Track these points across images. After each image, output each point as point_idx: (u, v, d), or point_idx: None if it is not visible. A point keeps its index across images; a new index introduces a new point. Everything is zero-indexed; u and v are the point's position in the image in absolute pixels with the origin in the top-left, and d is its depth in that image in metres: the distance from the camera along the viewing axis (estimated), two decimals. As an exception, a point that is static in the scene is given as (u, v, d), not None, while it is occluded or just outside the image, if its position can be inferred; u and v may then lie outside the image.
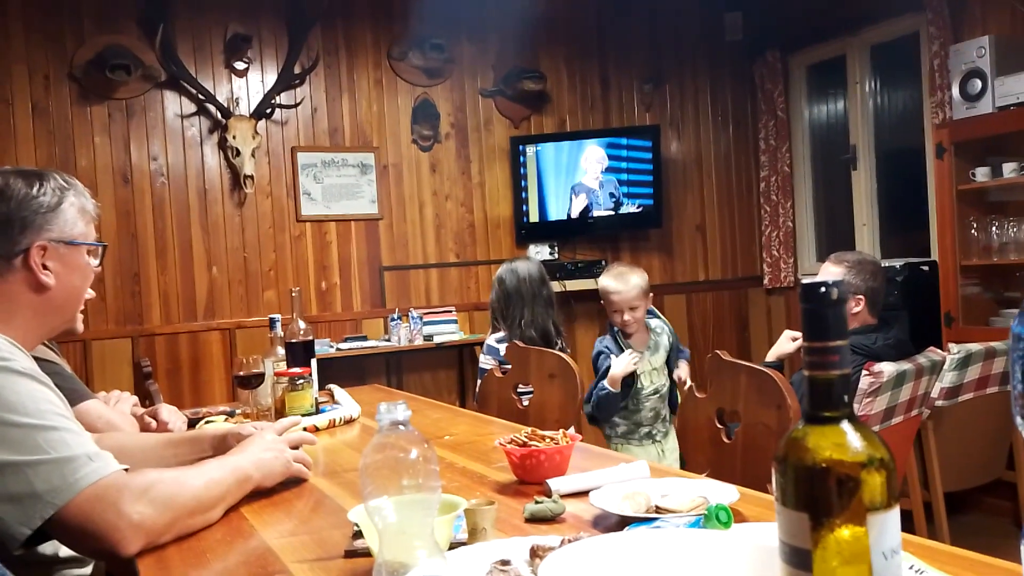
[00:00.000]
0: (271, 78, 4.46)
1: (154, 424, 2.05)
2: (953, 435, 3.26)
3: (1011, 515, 3.58)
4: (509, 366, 2.76)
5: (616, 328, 3.13)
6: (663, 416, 3.17)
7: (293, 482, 1.59)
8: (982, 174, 3.78)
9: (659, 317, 3.30)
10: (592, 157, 4.94)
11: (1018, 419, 0.54)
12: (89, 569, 1.50)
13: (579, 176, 4.94)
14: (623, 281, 3.08)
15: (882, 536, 0.59)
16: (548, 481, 1.39)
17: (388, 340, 4.54)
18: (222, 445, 1.58)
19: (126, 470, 1.24)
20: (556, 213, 4.94)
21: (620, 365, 2.96)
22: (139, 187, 4.26)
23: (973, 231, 3.86)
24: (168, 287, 4.30)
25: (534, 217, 4.93)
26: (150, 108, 4.28)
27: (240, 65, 4.41)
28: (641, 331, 3.16)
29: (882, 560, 0.59)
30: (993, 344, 3.24)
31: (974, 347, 3.18)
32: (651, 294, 3.18)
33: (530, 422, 2.29)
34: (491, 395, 2.82)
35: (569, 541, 1.00)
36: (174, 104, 4.32)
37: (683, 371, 3.20)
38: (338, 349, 4.38)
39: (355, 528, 1.18)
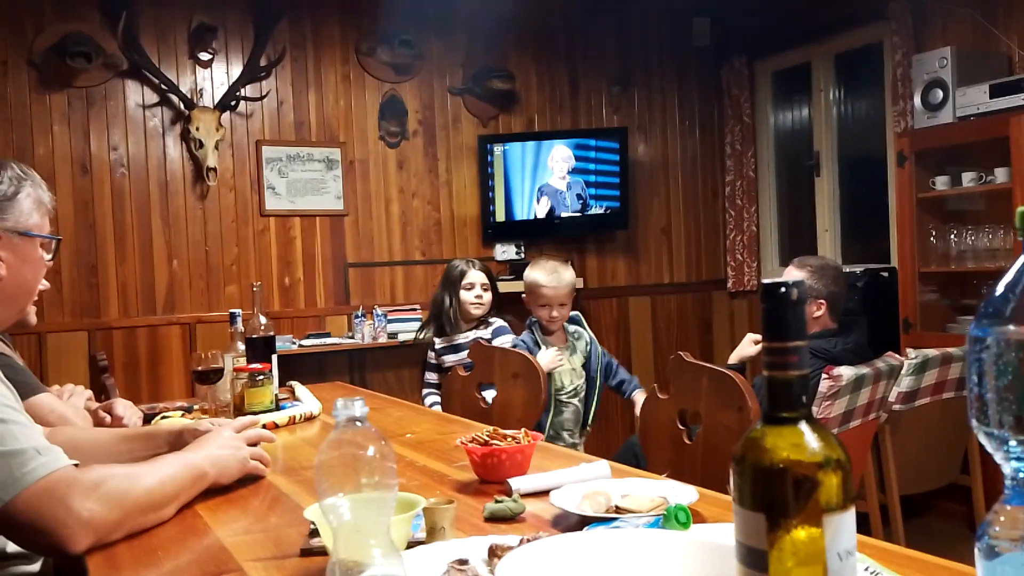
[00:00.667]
0: (236, 70, 4.41)
1: (108, 419, 2.01)
2: (909, 439, 3.31)
3: (965, 519, 3.65)
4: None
5: (537, 325, 3.13)
6: (580, 421, 3.18)
7: (250, 479, 1.56)
8: (942, 183, 3.85)
9: (580, 322, 3.28)
10: (558, 157, 4.94)
11: (974, 422, 0.54)
12: (38, 566, 1.47)
13: (546, 176, 4.94)
14: (557, 277, 3.09)
15: (837, 537, 0.59)
16: (509, 480, 1.38)
17: (352, 337, 4.51)
18: (178, 441, 1.55)
19: (76, 465, 1.21)
20: (523, 213, 4.94)
21: (546, 358, 2.95)
22: (98, 177, 4.18)
23: (932, 239, 3.93)
24: (127, 280, 4.22)
25: (501, 216, 4.93)
26: (111, 97, 4.20)
27: (205, 56, 4.35)
28: (560, 331, 3.17)
29: (837, 561, 0.59)
30: (950, 350, 3.30)
31: (931, 353, 3.23)
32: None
33: (493, 421, 2.28)
34: (454, 394, 2.81)
35: (528, 540, 0.99)
36: (136, 94, 4.25)
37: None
38: (300, 346, 4.34)
39: (311, 526, 1.16)
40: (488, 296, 3.33)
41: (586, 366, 3.16)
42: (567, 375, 3.12)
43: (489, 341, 3.16)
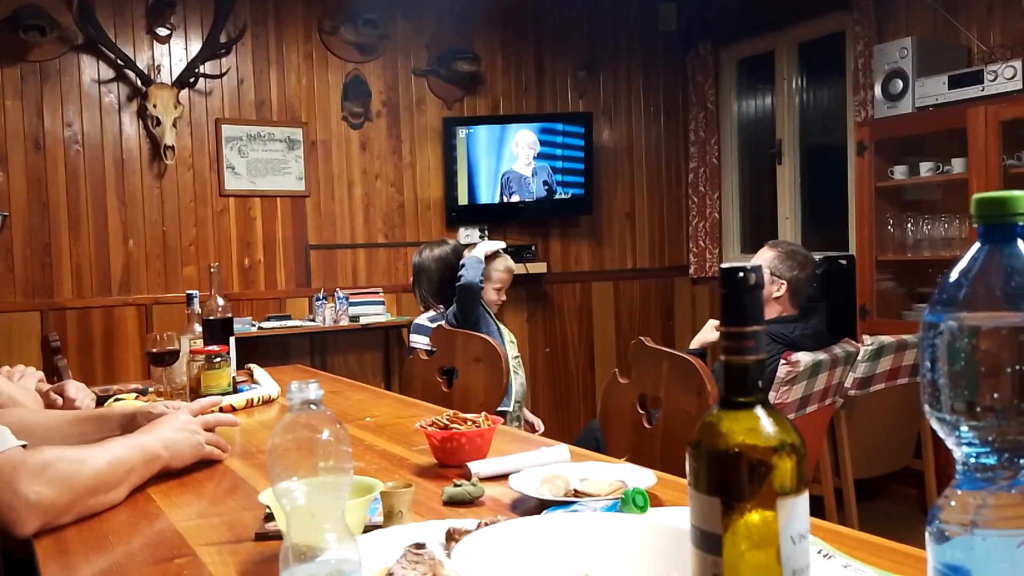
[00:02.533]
0: (195, 46, 4.32)
1: (60, 401, 1.96)
2: (864, 424, 3.37)
3: (917, 502, 3.73)
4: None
5: (485, 306, 3.26)
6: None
7: (205, 463, 1.54)
8: (900, 172, 3.91)
9: None
10: (523, 142, 4.93)
11: (927, 407, 0.55)
12: (-16, 551, 1.43)
13: (511, 162, 4.92)
14: (510, 265, 3.36)
15: (791, 521, 0.59)
16: (468, 464, 1.38)
17: (313, 320, 4.46)
18: (131, 424, 1.52)
19: (24, 447, 1.18)
20: (487, 197, 4.92)
21: (488, 244, 3.20)
22: (52, 154, 4.08)
23: (889, 227, 3.99)
24: (81, 260, 4.13)
25: (465, 200, 4.90)
26: (65, 72, 4.09)
27: (163, 31, 4.25)
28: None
29: (790, 544, 0.59)
30: (905, 337, 3.36)
31: (886, 339, 3.29)
32: None
33: (454, 405, 2.27)
34: (415, 378, 2.80)
35: (486, 524, 0.99)
36: (91, 69, 4.15)
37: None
38: (260, 328, 4.29)
39: (267, 510, 1.14)
40: None
41: None
42: (511, 348, 3.19)
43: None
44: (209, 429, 1.54)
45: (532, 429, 3.31)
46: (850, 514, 3.27)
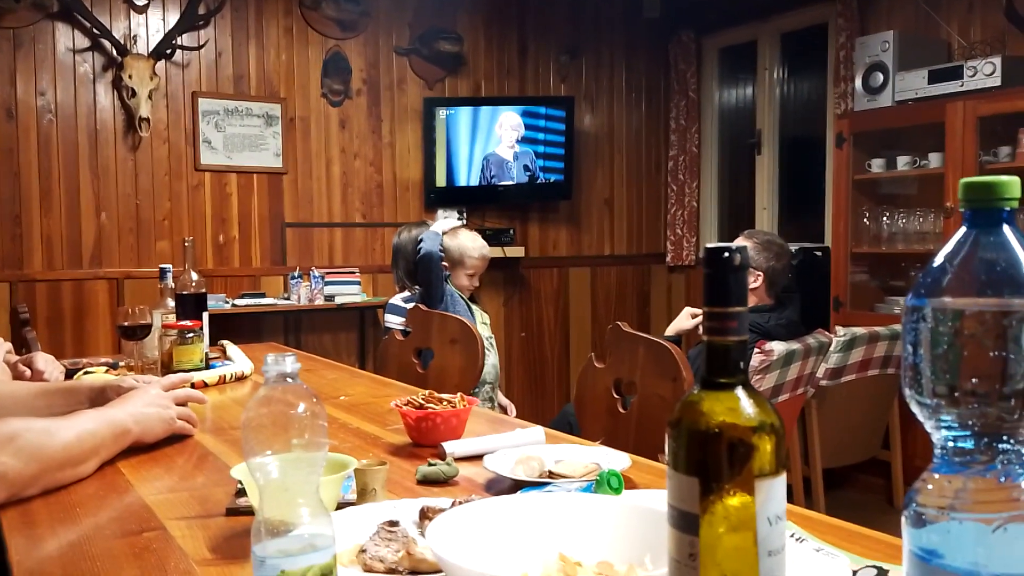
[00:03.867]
0: (173, 17, 4.25)
1: (28, 373, 1.93)
2: (834, 414, 3.41)
3: (884, 492, 3.78)
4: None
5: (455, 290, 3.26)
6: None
7: (176, 438, 1.52)
8: (877, 165, 3.94)
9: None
10: (507, 124, 4.90)
11: (907, 391, 0.55)
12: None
13: (493, 144, 4.90)
14: (483, 251, 3.34)
15: (768, 502, 0.59)
16: (443, 444, 1.37)
17: (287, 299, 4.43)
18: (100, 398, 1.50)
19: (-10, 418, 1.16)
20: (466, 179, 4.90)
21: (447, 222, 3.23)
22: (24, 123, 4.00)
23: (865, 220, 4.02)
24: (52, 231, 4.07)
25: (444, 181, 4.88)
26: (40, 40, 4.01)
27: (140, 1, 4.18)
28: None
29: (767, 525, 0.59)
30: (877, 329, 3.40)
31: (859, 331, 3.32)
32: None
33: (429, 386, 2.26)
34: (391, 358, 2.78)
35: (460, 503, 0.98)
36: (66, 37, 4.06)
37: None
38: (234, 305, 4.25)
39: (238, 486, 1.13)
40: None
41: None
42: (483, 329, 3.21)
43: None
44: (180, 404, 1.53)
45: (505, 413, 3.31)
46: (818, 502, 3.31)
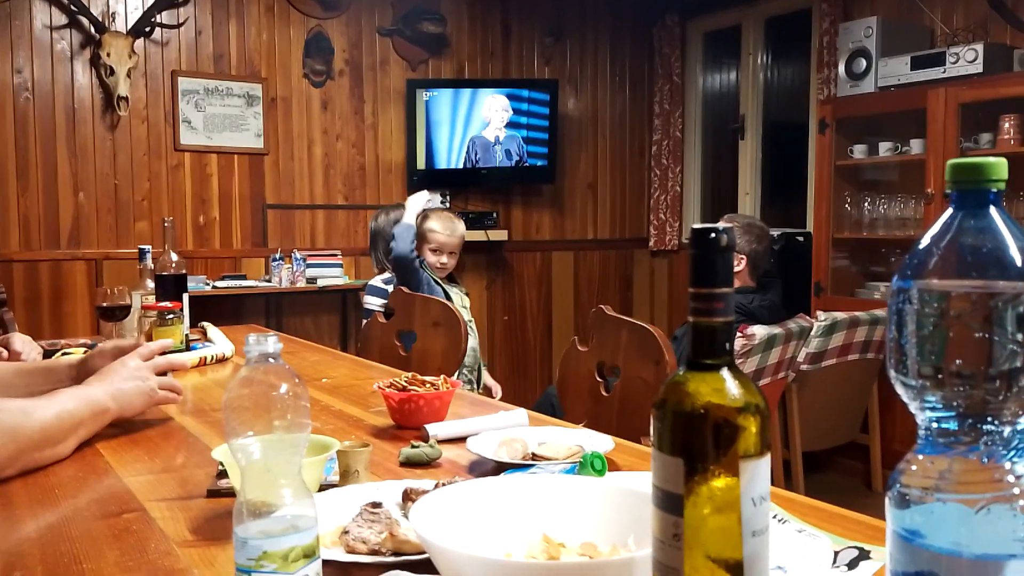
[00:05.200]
0: (153, -5, 4.18)
1: (5, 354, 1.91)
2: (814, 398, 3.44)
3: (862, 475, 3.82)
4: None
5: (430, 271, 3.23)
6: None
7: (156, 420, 1.51)
8: (859, 151, 3.95)
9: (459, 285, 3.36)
10: (495, 107, 4.88)
11: (892, 372, 0.55)
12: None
13: (479, 127, 4.87)
14: (452, 226, 3.24)
15: (753, 482, 0.59)
16: (426, 426, 1.37)
17: (269, 281, 4.40)
18: (83, 370, 1.47)
19: (-35, 399, 1.14)
20: (449, 161, 4.87)
21: (417, 201, 3.16)
22: (0, 101, 3.93)
23: (847, 205, 4.04)
24: (29, 211, 4.01)
25: (427, 164, 4.85)
26: (16, 16, 3.94)
27: (119, -23, 4.11)
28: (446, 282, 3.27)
29: (751, 506, 0.59)
30: (857, 314, 3.42)
31: (840, 316, 3.34)
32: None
33: (412, 369, 2.26)
34: (373, 340, 2.77)
35: (443, 484, 0.98)
36: (43, 14, 3.99)
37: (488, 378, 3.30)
38: (214, 287, 4.21)
39: (219, 467, 1.12)
40: None
41: None
42: (464, 312, 3.19)
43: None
44: (161, 373, 1.49)
45: (490, 394, 3.31)
46: (797, 485, 3.34)
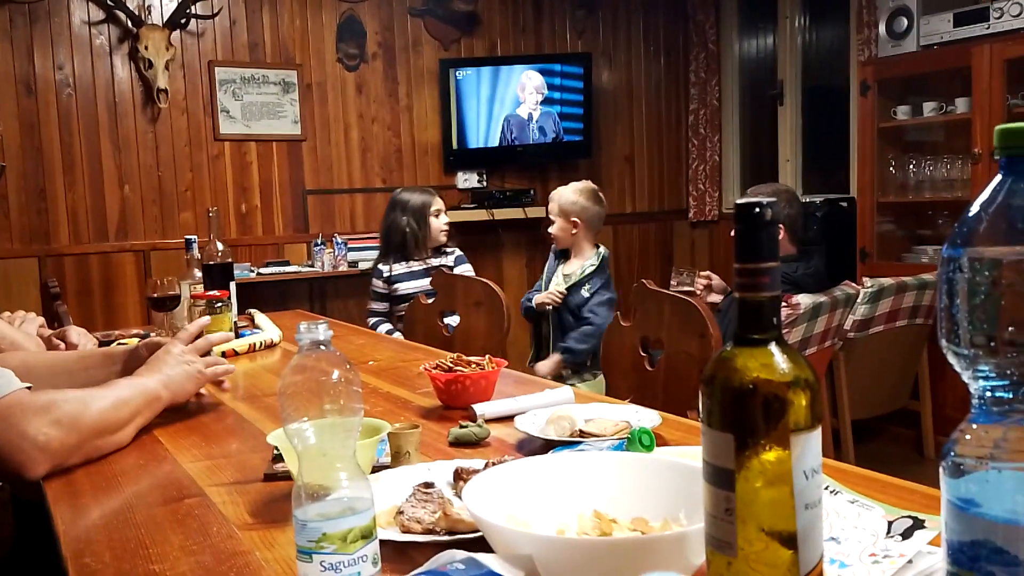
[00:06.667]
0: (186, -14, 4.22)
1: (62, 346, 1.96)
2: (863, 366, 3.39)
3: (913, 443, 3.77)
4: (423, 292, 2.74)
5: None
6: (533, 343, 3.31)
7: (210, 406, 1.55)
8: (903, 112, 3.86)
9: (604, 261, 3.28)
10: (530, 85, 4.85)
11: (943, 342, 0.54)
12: (-7, 494, 1.44)
13: (514, 105, 4.85)
14: (556, 192, 3.28)
15: (804, 456, 0.59)
16: (473, 406, 1.38)
17: (311, 266, 4.45)
18: (133, 358, 1.51)
19: (28, 388, 1.18)
20: (485, 140, 4.87)
21: (542, 296, 3.21)
22: (44, 98, 4.01)
23: (891, 168, 3.96)
24: (76, 205, 4.10)
25: (463, 144, 4.85)
26: (55, 14, 4.01)
27: (153, -29, 4.16)
28: (578, 255, 3.25)
29: (803, 479, 0.59)
30: (904, 279, 3.36)
31: (886, 282, 3.29)
32: (577, 221, 3.21)
33: (455, 350, 2.28)
34: (416, 322, 2.80)
35: (494, 464, 1.00)
36: (81, 10, 4.06)
37: (545, 365, 3.10)
38: (259, 274, 4.28)
39: (275, 452, 1.15)
40: None
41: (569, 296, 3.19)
42: (553, 285, 3.19)
43: (451, 269, 3.25)
44: (204, 354, 1.51)
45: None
46: (847, 454, 3.31)
